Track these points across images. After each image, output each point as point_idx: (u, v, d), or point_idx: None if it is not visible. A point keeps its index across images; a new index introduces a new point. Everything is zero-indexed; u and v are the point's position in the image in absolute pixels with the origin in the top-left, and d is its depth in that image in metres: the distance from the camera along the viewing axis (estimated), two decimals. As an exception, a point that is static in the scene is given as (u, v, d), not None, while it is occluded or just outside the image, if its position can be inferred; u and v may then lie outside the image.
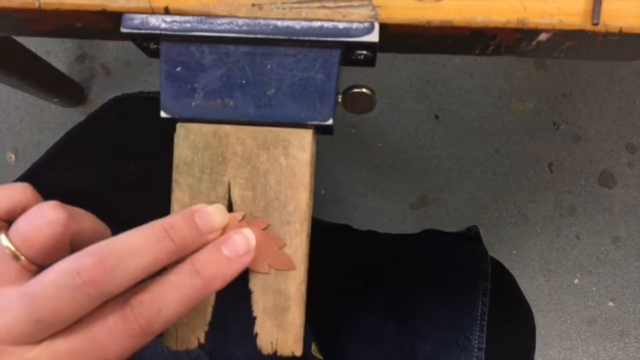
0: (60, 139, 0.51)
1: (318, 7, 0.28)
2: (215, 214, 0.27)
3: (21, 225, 0.25)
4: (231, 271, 0.27)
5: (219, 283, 0.26)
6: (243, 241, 0.27)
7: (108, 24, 0.30)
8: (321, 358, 0.44)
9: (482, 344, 0.45)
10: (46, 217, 0.25)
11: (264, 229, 0.29)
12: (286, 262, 0.29)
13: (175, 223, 0.25)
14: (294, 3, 0.28)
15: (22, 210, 0.27)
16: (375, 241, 0.57)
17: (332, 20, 0.28)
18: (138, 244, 0.24)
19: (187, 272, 0.25)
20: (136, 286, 0.25)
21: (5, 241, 0.24)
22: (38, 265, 0.25)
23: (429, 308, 0.48)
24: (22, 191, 0.27)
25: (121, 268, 0.23)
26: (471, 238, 0.56)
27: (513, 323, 0.52)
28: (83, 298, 0.22)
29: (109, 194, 0.43)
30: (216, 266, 0.26)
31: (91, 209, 0.28)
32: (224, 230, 0.28)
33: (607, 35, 0.29)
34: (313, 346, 0.44)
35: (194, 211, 0.27)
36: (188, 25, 0.28)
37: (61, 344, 0.23)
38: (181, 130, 0.29)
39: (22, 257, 0.24)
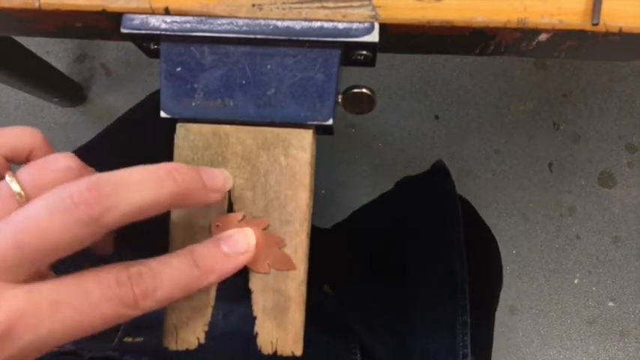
0: (102, 131, 0.51)
1: (318, 8, 0.28)
2: (219, 174, 0.27)
3: (33, 168, 0.24)
4: (228, 267, 0.26)
5: (215, 277, 0.26)
6: (243, 239, 0.27)
7: (108, 24, 0.30)
8: (332, 292, 0.45)
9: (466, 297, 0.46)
10: (61, 163, 0.24)
11: (264, 229, 0.29)
12: (286, 262, 0.29)
13: (181, 167, 0.24)
14: (294, 3, 0.28)
15: (29, 154, 0.26)
16: (344, 230, 0.58)
17: (332, 20, 0.28)
18: (138, 179, 0.23)
19: (185, 259, 0.25)
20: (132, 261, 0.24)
21: (11, 181, 0.23)
22: None
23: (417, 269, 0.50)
24: (31, 135, 0.26)
25: (117, 196, 0.22)
26: (438, 173, 0.57)
27: (482, 255, 0.54)
28: (73, 222, 0.21)
29: None
30: (213, 260, 0.26)
31: None
32: (225, 229, 0.28)
33: (607, 35, 0.29)
34: (326, 285, 0.47)
35: (199, 167, 0.26)
36: (188, 25, 0.28)
37: (48, 290, 0.21)
38: (181, 130, 0.29)
39: (24, 198, 0.23)
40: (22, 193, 0.23)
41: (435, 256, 0.49)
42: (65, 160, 0.24)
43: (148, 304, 0.23)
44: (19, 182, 0.23)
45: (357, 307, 0.48)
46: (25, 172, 0.24)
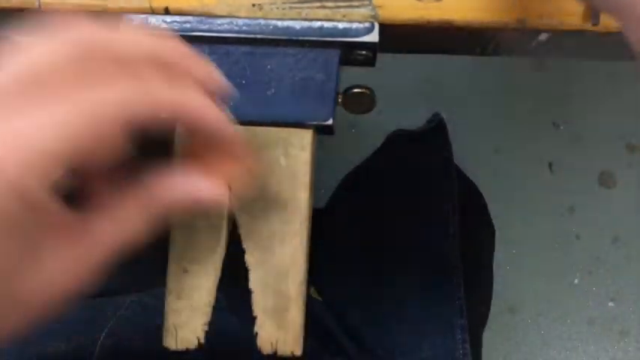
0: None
1: (318, 7, 0.28)
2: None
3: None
4: (212, 112, 0.23)
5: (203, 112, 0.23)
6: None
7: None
8: (320, 298, 0.45)
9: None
10: None
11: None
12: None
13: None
14: (294, 3, 0.28)
15: None
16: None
17: (332, 20, 0.28)
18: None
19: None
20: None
21: None
22: None
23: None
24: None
25: (123, 34, 0.22)
26: (432, 131, 0.56)
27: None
28: (80, 47, 0.21)
29: None
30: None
31: None
32: None
33: (607, 35, 0.29)
34: (312, 289, 0.46)
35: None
36: (188, 25, 0.28)
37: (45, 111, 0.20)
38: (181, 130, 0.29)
39: None
40: None
41: (424, 252, 0.48)
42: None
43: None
44: None
45: (345, 314, 0.46)
46: None
